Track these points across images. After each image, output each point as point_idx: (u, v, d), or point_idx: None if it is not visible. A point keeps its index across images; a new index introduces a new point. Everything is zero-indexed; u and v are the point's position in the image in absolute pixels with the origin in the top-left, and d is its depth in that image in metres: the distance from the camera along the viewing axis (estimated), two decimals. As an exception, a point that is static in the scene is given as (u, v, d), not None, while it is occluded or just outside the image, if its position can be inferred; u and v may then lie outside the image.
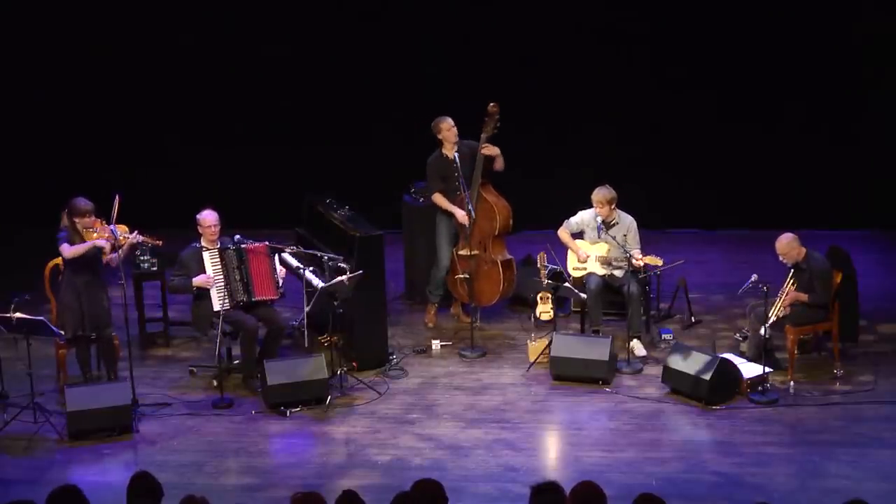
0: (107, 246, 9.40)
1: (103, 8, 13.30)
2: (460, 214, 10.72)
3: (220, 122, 13.50)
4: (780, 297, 9.66)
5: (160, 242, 9.72)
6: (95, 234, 9.39)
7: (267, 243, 9.89)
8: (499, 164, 10.79)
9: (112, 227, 9.41)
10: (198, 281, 9.71)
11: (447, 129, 10.72)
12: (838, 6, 12.74)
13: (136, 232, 9.51)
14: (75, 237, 9.46)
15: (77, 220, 9.43)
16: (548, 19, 13.04)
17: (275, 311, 10.07)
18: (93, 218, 9.44)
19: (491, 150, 10.69)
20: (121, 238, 9.39)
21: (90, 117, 13.59)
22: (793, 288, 9.70)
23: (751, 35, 12.90)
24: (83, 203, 9.43)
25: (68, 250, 9.42)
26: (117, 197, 9.43)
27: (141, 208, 9.56)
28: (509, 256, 11.00)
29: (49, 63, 13.46)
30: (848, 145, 12.96)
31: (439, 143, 10.82)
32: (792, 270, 9.78)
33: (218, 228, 9.80)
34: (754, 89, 13.04)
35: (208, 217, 9.78)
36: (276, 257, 9.99)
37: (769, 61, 12.96)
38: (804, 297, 9.69)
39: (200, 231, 9.83)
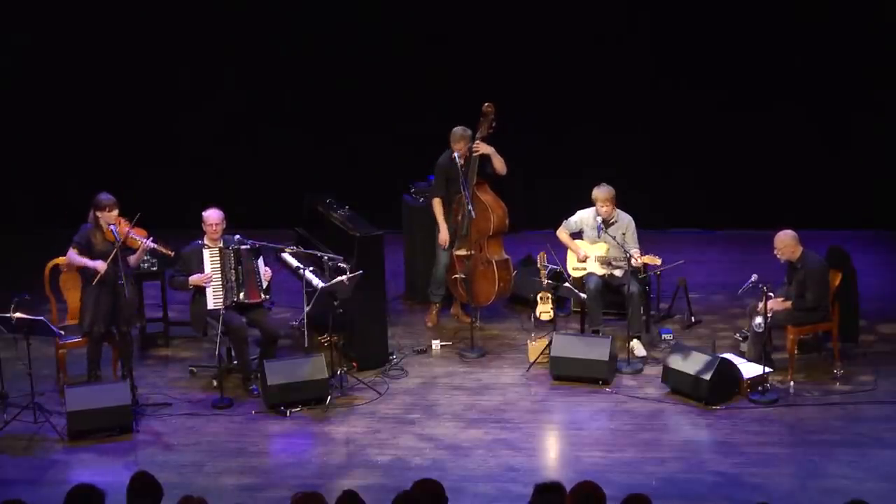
0: (101, 270, 9.42)
1: (105, 8, 13.31)
2: (443, 237, 10.78)
3: (221, 122, 13.50)
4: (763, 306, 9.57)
5: (171, 253, 9.77)
6: (116, 231, 9.47)
7: (250, 245, 9.82)
8: (498, 166, 10.75)
9: (129, 229, 9.50)
10: (193, 279, 9.73)
11: (454, 142, 10.68)
12: (839, 6, 12.75)
13: (150, 238, 9.57)
14: (97, 231, 9.58)
15: (99, 214, 9.52)
16: (548, 19, 13.04)
17: (268, 315, 10.00)
18: (115, 213, 9.51)
19: (484, 147, 10.67)
20: (137, 241, 9.53)
21: (90, 118, 13.58)
22: (780, 299, 9.72)
23: (751, 34, 12.90)
24: (105, 198, 9.54)
25: (70, 256, 9.62)
26: (139, 214, 9.51)
27: (141, 208, 9.55)
28: (506, 256, 10.98)
29: (50, 63, 13.47)
30: (848, 145, 12.96)
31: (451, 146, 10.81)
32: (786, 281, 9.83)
33: (220, 227, 9.79)
34: (754, 89, 13.04)
35: (212, 215, 9.80)
36: (261, 259, 9.90)
37: (770, 61, 12.96)
38: (787, 304, 9.72)
39: (204, 228, 9.84)
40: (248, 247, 9.80)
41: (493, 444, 8.94)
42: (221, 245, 9.80)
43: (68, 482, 7.21)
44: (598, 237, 10.45)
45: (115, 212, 9.52)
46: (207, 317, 9.74)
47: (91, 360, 9.76)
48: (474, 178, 10.72)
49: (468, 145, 10.67)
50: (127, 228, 9.51)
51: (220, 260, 9.74)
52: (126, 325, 9.63)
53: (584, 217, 10.55)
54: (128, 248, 9.56)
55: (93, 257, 9.54)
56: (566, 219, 10.64)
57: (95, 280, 9.42)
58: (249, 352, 9.87)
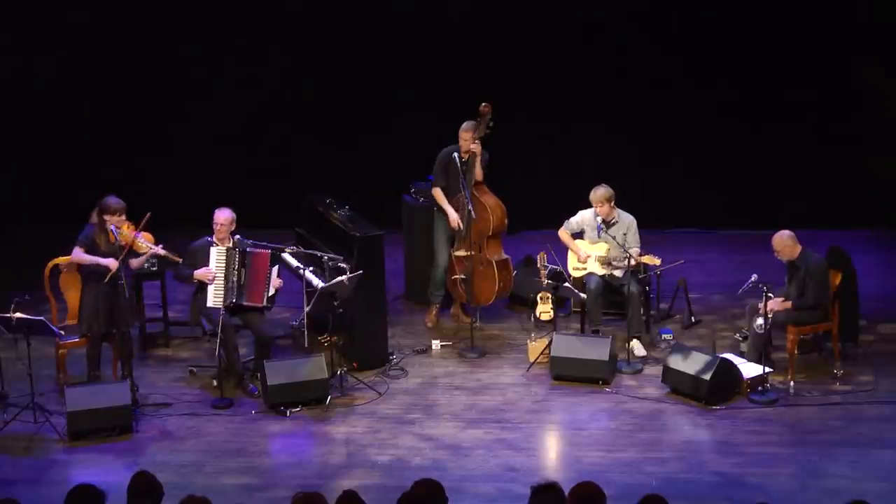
0: (113, 268, 9.40)
1: (106, 7, 13.31)
2: (453, 218, 10.72)
3: (221, 122, 13.49)
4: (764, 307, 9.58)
5: (180, 260, 9.75)
6: (122, 235, 9.44)
7: (269, 252, 9.84)
8: (477, 172, 10.75)
9: (136, 233, 9.48)
10: (198, 274, 9.74)
11: (463, 139, 10.67)
12: (837, 5, 12.75)
13: (160, 245, 9.59)
14: (101, 235, 9.55)
15: (107, 217, 9.50)
16: (546, 17, 13.04)
17: (262, 319, 9.93)
18: (123, 217, 9.50)
19: (476, 149, 10.66)
20: (143, 246, 9.53)
21: (91, 117, 13.57)
22: (780, 299, 9.73)
23: (750, 33, 12.90)
24: (115, 202, 9.52)
25: (76, 254, 9.56)
26: (148, 214, 9.45)
27: (139, 207, 9.55)
28: (505, 256, 10.98)
29: (51, 62, 13.46)
30: (848, 145, 12.96)
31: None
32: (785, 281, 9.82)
33: (225, 228, 9.77)
34: (754, 88, 13.04)
35: (219, 215, 9.80)
36: (276, 268, 9.91)
37: (769, 60, 12.96)
38: (787, 305, 9.72)
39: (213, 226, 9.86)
40: (261, 251, 9.78)
41: (493, 444, 8.94)
42: (231, 245, 9.80)
43: (68, 482, 7.22)
44: (599, 237, 10.45)
45: (124, 216, 9.51)
46: (202, 315, 9.77)
47: (90, 359, 9.76)
48: (473, 180, 10.73)
49: (470, 143, 10.67)
50: (134, 233, 9.49)
51: (226, 259, 9.74)
52: (125, 325, 9.64)
53: (585, 217, 10.55)
54: (132, 252, 9.55)
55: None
56: (568, 218, 10.64)
57: (108, 278, 9.39)
58: (240, 354, 9.85)
